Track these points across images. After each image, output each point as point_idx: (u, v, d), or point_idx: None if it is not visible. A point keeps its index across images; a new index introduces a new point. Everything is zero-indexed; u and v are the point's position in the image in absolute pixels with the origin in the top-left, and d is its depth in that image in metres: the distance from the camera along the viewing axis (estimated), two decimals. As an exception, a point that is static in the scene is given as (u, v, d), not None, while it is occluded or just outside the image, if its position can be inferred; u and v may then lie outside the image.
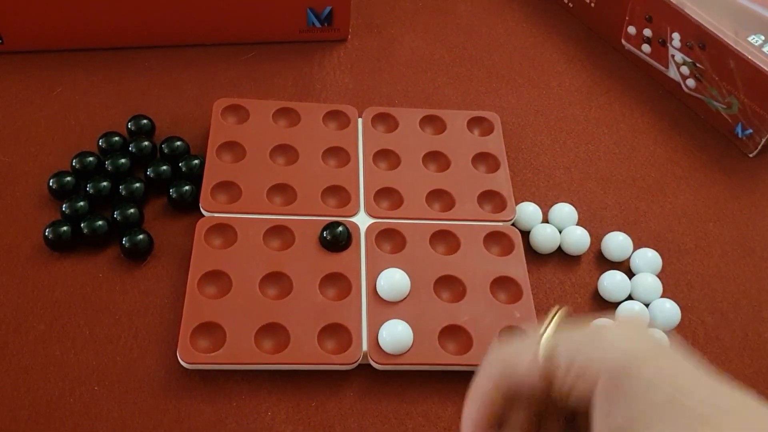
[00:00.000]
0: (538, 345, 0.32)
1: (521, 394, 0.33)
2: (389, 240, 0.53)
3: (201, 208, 0.53)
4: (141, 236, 0.51)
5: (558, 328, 0.33)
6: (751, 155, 0.63)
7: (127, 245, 0.51)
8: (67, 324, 0.48)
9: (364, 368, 0.48)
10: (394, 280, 0.50)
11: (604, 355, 0.32)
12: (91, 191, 0.53)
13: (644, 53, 0.67)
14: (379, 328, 0.48)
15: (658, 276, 0.54)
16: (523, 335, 0.34)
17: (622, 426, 0.32)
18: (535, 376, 0.32)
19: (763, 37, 0.60)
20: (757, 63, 0.58)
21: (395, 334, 0.47)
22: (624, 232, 0.56)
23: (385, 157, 0.58)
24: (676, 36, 0.63)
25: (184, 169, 0.55)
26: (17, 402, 0.45)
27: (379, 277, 0.50)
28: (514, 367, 0.33)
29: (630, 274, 0.54)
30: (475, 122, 0.61)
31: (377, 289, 0.50)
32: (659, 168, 0.62)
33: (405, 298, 0.50)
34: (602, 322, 0.46)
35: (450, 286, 0.51)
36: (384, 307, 0.49)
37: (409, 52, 0.68)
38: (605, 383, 0.32)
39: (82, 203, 0.52)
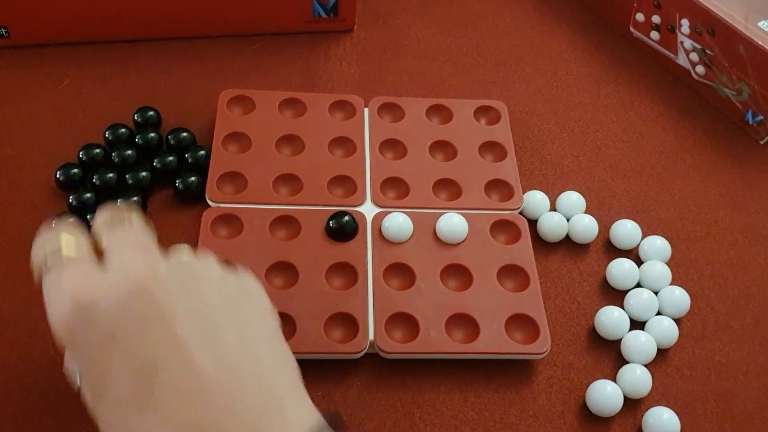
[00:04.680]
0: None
1: None
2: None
3: (207, 199, 0.53)
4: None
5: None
6: (761, 142, 0.63)
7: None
8: (75, 315, 0.48)
9: (370, 357, 0.48)
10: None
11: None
12: (98, 183, 0.53)
13: (653, 40, 0.67)
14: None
15: (668, 264, 0.53)
16: None
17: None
18: None
19: (773, 22, 0.59)
20: (768, 48, 0.57)
21: (398, 223, 0.51)
22: (633, 220, 0.55)
23: (392, 146, 0.58)
24: (685, 22, 0.62)
25: (190, 160, 0.55)
26: (26, 392, 0.45)
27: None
28: None
29: (639, 262, 0.54)
30: (481, 111, 0.61)
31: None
32: (668, 155, 0.62)
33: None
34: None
35: (457, 274, 0.51)
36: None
37: (416, 41, 0.68)
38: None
39: (88, 195, 0.52)
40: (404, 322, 0.48)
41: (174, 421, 0.29)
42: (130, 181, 0.53)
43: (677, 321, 0.51)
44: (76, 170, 0.54)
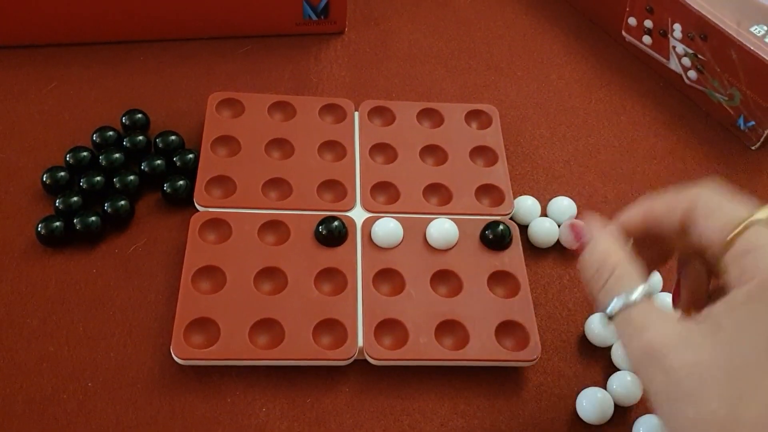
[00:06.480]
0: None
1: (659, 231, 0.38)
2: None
3: (195, 203, 0.52)
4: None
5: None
6: (753, 147, 0.63)
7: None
8: (61, 320, 0.48)
9: (359, 364, 0.47)
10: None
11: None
12: (85, 186, 0.53)
13: (645, 45, 0.67)
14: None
15: (659, 270, 0.53)
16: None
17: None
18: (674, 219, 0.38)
19: (765, 28, 0.59)
20: (760, 54, 0.57)
21: (387, 229, 0.51)
22: (624, 226, 0.55)
23: (382, 150, 0.57)
24: (677, 27, 0.62)
25: (178, 163, 0.54)
26: (10, 398, 0.44)
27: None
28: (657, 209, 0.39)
29: (630, 268, 0.53)
30: (473, 115, 0.61)
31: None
32: (660, 161, 0.61)
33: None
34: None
35: (447, 280, 0.50)
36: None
37: (407, 44, 0.68)
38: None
39: (75, 198, 0.52)
40: (393, 329, 0.48)
41: None
42: (117, 185, 0.53)
43: (668, 328, 0.51)
44: (63, 173, 0.53)
